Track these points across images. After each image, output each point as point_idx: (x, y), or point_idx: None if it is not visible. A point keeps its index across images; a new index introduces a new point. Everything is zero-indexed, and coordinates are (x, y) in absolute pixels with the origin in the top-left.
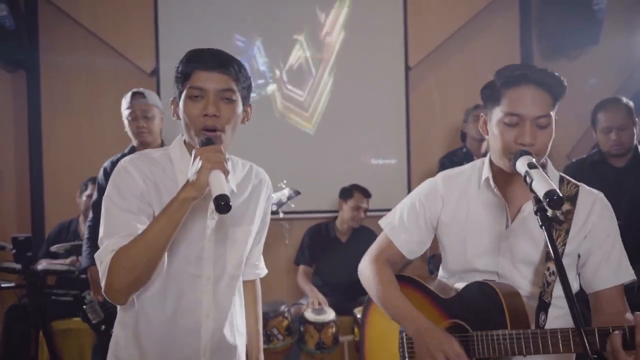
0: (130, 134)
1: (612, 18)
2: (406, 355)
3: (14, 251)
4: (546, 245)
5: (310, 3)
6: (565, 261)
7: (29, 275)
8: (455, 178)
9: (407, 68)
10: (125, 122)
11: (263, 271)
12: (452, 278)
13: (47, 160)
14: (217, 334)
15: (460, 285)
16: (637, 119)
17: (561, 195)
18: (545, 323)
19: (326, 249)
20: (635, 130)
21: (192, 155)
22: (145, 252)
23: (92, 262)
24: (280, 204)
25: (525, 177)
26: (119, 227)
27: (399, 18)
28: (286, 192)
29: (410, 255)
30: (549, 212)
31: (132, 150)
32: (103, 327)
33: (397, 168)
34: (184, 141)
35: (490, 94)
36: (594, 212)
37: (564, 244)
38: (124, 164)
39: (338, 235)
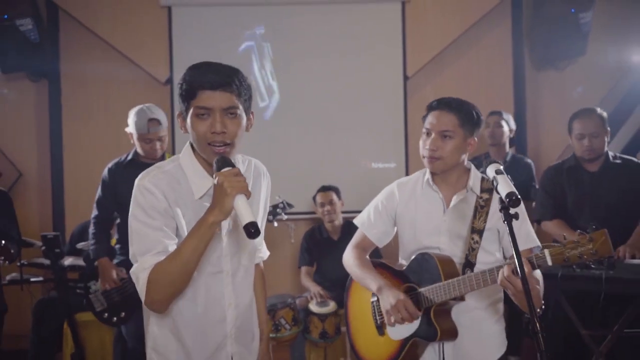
0: (139, 149)
1: (597, 30)
2: (377, 318)
3: (43, 248)
4: (472, 222)
5: (315, 15)
6: (487, 234)
7: (57, 270)
8: (407, 183)
9: (405, 77)
10: (135, 138)
11: (265, 254)
12: (408, 260)
13: (67, 164)
14: (239, 319)
15: None
16: (608, 128)
17: (519, 197)
18: None
19: (322, 249)
20: (606, 139)
21: (214, 178)
22: (182, 268)
23: (100, 255)
24: (274, 214)
25: (492, 180)
26: (150, 245)
27: (397, 30)
28: (280, 204)
29: (379, 243)
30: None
31: (136, 155)
32: (106, 315)
33: (396, 171)
34: (192, 149)
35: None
36: None
37: (485, 222)
38: (144, 183)
39: (330, 235)
